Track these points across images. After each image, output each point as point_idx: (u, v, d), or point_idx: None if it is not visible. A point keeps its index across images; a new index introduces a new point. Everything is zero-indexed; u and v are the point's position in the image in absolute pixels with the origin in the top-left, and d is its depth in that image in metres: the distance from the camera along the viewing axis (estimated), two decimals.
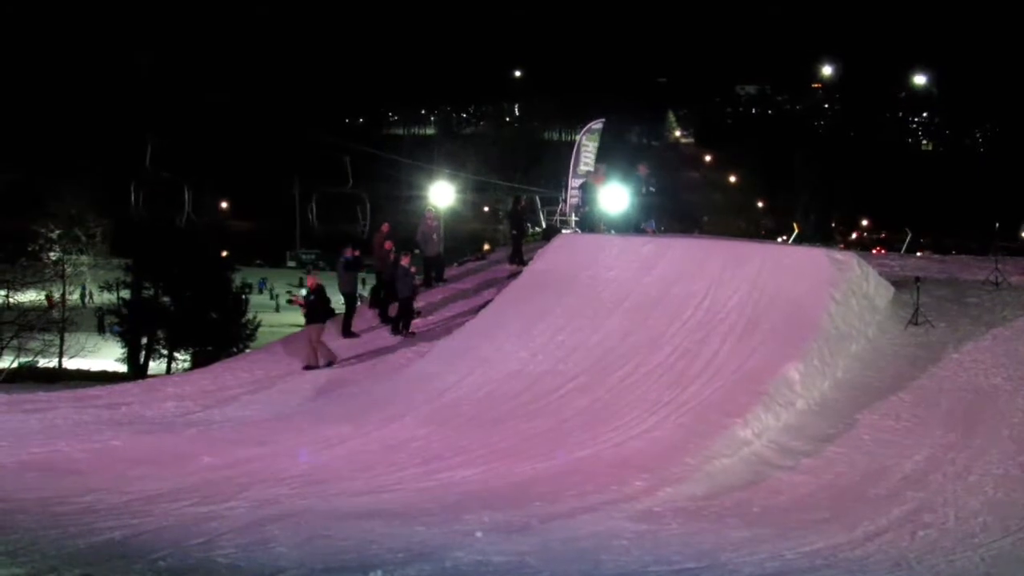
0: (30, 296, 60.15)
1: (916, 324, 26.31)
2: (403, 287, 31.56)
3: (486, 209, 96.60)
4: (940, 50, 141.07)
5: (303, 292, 30.74)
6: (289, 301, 30.81)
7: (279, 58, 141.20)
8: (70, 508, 15.76)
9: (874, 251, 55.56)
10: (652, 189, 35.96)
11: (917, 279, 27.63)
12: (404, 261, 31.74)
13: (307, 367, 29.73)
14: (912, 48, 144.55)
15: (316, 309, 30.14)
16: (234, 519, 15.39)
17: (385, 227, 34.85)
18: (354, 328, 32.55)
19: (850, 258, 28.00)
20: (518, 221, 38.21)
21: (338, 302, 34.00)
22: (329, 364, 29.73)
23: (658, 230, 37.28)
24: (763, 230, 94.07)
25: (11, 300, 57.59)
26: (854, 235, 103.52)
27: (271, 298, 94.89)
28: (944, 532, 16.21)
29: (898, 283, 28.54)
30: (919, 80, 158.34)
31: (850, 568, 14.43)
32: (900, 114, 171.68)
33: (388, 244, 33.52)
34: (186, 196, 36.43)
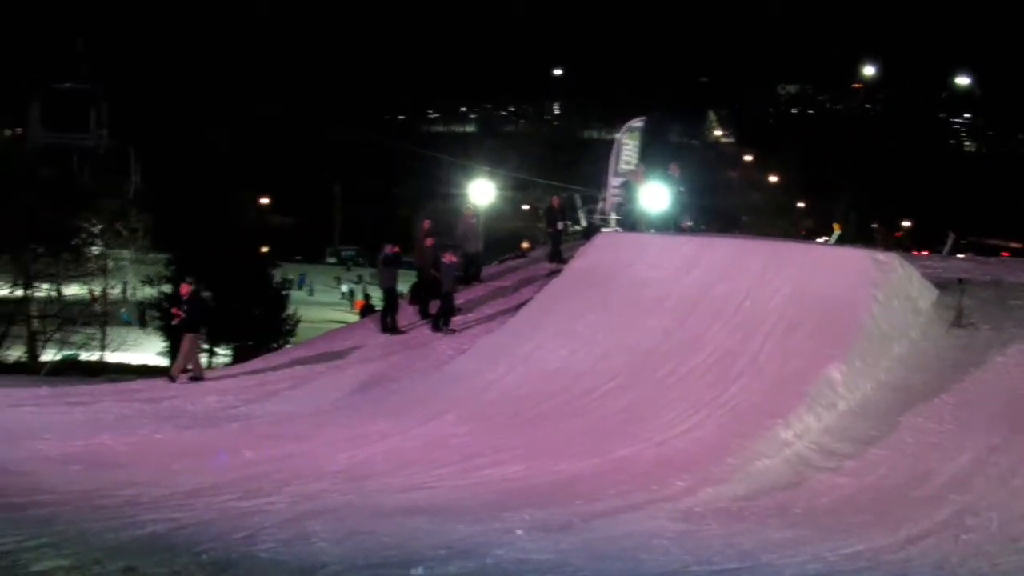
0: (73, 289, 60.59)
1: (960, 326, 26.10)
2: (447, 282, 31.60)
3: (526, 207, 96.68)
4: (983, 51, 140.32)
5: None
6: (173, 317, 30.17)
7: (320, 54, 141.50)
8: (114, 501, 15.85)
9: (915, 252, 55.33)
10: (682, 189, 35.97)
11: (960, 281, 27.47)
12: (448, 257, 31.76)
13: (194, 378, 29.18)
14: (954, 49, 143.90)
15: (191, 318, 29.67)
16: (276, 514, 15.46)
17: (427, 224, 34.88)
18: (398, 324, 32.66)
19: (893, 259, 27.82)
20: (554, 219, 38.25)
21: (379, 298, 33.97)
22: (194, 379, 29.16)
23: (697, 227, 37.21)
24: (803, 231, 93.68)
25: (56, 294, 58.07)
26: (895, 236, 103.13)
27: (310, 294, 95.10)
28: (988, 536, 16.09)
29: (941, 285, 28.33)
30: (961, 81, 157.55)
31: (892, 571, 14.36)
32: (942, 115, 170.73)
33: (430, 241, 33.58)
34: (132, 164, 36.27)
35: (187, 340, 29.63)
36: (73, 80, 30.26)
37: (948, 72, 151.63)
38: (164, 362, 59.14)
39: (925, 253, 49.08)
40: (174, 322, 29.65)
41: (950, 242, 51.40)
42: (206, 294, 61.02)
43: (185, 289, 30.40)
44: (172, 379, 28.82)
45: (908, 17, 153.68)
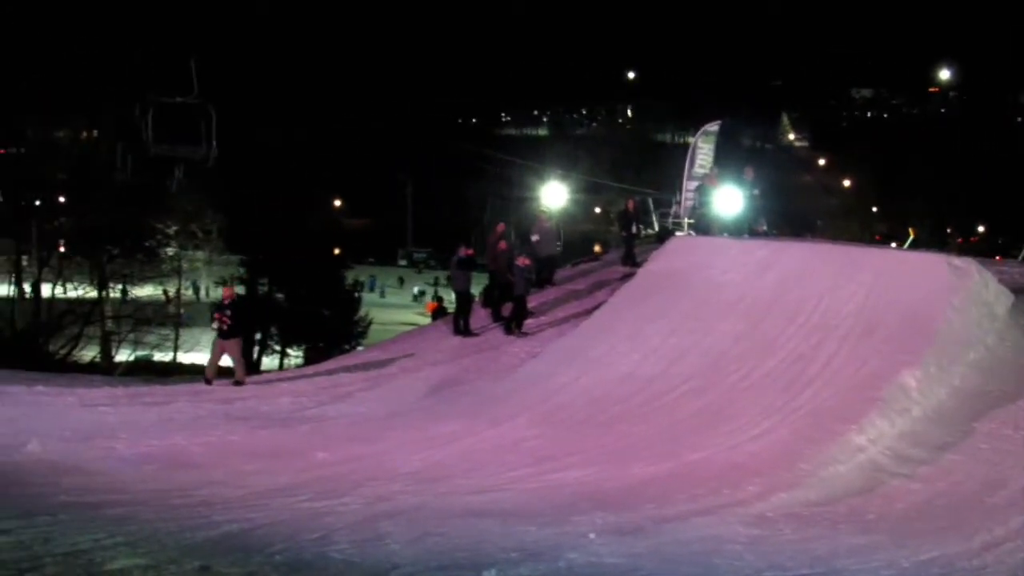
0: (147, 290, 61.18)
1: None
2: (519, 286, 31.62)
3: (598, 210, 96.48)
4: None
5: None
6: (215, 320, 28.79)
7: (393, 57, 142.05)
8: (188, 501, 15.98)
9: (989, 257, 54.84)
10: (756, 192, 35.80)
11: None
12: (521, 261, 31.78)
13: (207, 381, 28.81)
14: None
15: (235, 323, 29.08)
16: (348, 515, 15.54)
17: (500, 227, 34.90)
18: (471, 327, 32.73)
19: (969, 265, 27.56)
20: (628, 223, 38.19)
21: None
22: (207, 381, 28.79)
23: (770, 231, 37.03)
24: (877, 235, 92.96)
25: (130, 294, 58.71)
26: (971, 241, 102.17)
27: (381, 296, 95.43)
28: None
29: (1018, 291, 28.06)
30: None
31: None
32: (1019, 119, 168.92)
33: (503, 244, 33.61)
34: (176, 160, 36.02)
35: (234, 345, 29.16)
36: (184, 95, 31.05)
37: None
38: None
39: (997, 259, 48.60)
40: (217, 327, 28.87)
41: None
42: (279, 295, 61.89)
43: (227, 293, 30.21)
44: (239, 383, 28.73)
45: (985, 21, 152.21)
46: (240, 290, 63.17)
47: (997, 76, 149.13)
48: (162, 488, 16.79)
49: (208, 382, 28.84)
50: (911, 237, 63.31)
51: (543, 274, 36.05)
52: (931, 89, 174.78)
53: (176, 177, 36.02)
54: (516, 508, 16.57)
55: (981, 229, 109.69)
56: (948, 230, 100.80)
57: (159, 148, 31.66)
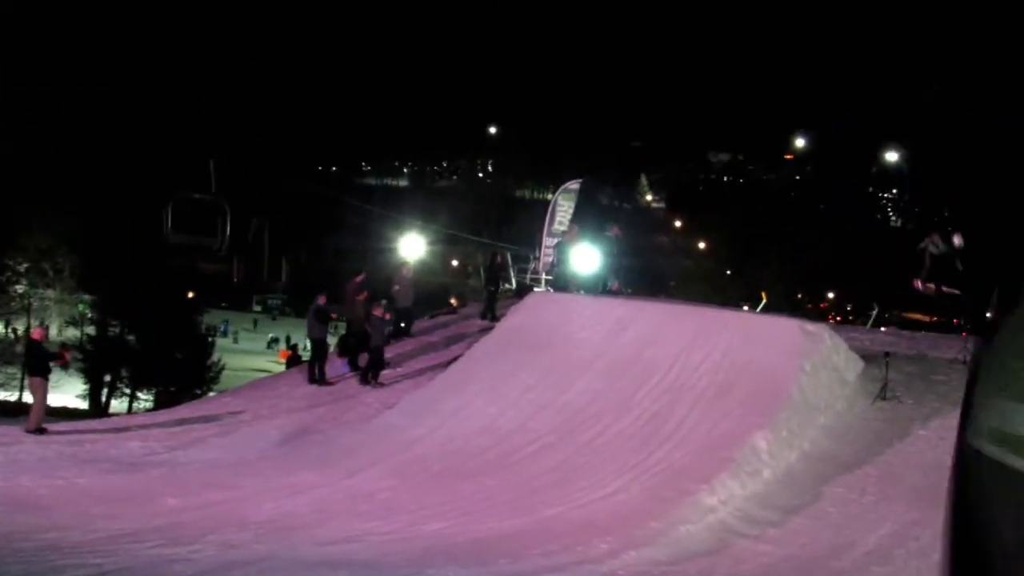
0: None
1: (884, 399, 26.29)
2: (376, 336, 31.59)
3: (455, 263, 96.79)
4: (912, 128, 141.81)
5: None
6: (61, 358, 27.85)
7: (253, 101, 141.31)
8: (33, 544, 15.68)
9: (833, 319, 55.74)
10: (615, 251, 36.12)
11: (886, 354, 27.66)
12: (377, 311, 31.76)
13: (42, 430, 26.76)
14: (884, 125, 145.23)
15: (43, 363, 27.72)
16: (199, 563, 15.33)
17: (360, 277, 34.80)
18: (326, 376, 32.61)
19: (821, 330, 28.01)
20: (494, 277, 38.28)
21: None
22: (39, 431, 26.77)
23: (624, 290, 37.35)
24: (730, 298, 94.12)
25: None
26: (821, 307, 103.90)
27: (235, 341, 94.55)
28: None
29: (867, 357, 28.56)
30: (890, 157, 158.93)
31: None
32: (870, 189, 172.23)
33: (363, 295, 33.53)
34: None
35: (41, 385, 27.72)
36: (201, 192, 31.88)
37: (877, 148, 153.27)
38: (84, 404, 58.72)
39: (838, 319, 49.42)
40: (58, 363, 28.01)
41: (874, 315, 51.88)
42: (129, 337, 61.06)
43: (40, 333, 28.95)
44: (39, 431, 26.69)
45: (839, 93, 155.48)
46: (91, 331, 62.38)
47: (850, 146, 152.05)
48: (6, 531, 16.46)
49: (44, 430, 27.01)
50: (763, 301, 64.09)
51: (401, 325, 36.02)
52: (787, 156, 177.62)
53: None
54: (369, 560, 16.47)
55: (831, 295, 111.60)
56: (799, 295, 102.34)
57: (177, 237, 32.09)
